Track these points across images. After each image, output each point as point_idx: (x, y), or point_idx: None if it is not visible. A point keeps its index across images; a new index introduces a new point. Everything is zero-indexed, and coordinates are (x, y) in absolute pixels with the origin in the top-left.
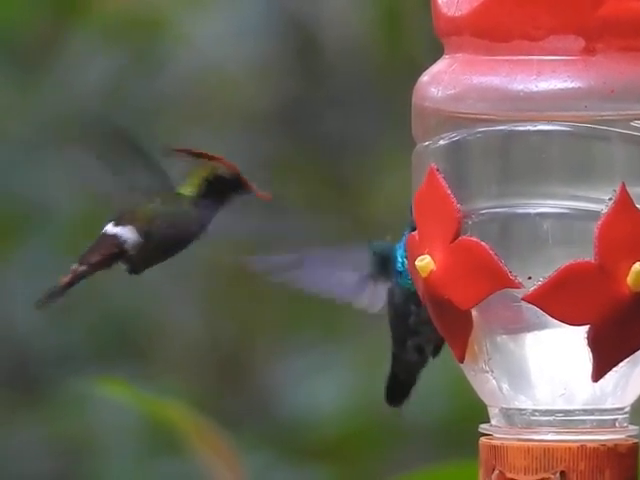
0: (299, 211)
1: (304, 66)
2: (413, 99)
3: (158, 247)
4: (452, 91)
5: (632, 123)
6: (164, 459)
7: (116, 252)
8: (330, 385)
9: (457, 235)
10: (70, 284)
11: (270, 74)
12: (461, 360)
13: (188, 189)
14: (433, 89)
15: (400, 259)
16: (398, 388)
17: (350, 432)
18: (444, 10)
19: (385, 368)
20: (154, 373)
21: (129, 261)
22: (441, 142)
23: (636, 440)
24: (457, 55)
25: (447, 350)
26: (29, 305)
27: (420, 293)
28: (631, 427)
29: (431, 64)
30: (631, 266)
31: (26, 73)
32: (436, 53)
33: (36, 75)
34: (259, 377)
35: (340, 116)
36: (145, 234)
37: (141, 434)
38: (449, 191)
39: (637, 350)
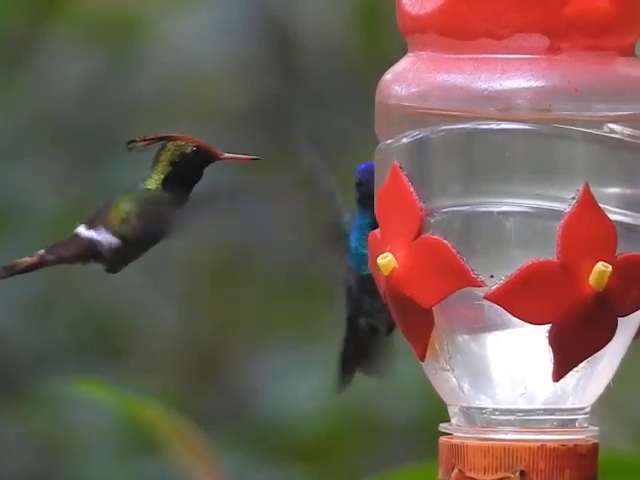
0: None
1: (282, 65)
2: (377, 97)
3: (134, 246)
4: (416, 89)
5: (596, 122)
6: (141, 459)
7: (90, 254)
8: (307, 384)
9: (419, 233)
10: (32, 267)
11: (248, 73)
12: (422, 358)
13: (153, 181)
14: (397, 87)
15: (353, 244)
16: (347, 365)
17: (328, 431)
18: (408, 8)
19: None
20: (131, 373)
21: (105, 262)
22: (404, 140)
23: (596, 440)
24: (421, 53)
25: None
26: (7, 305)
27: (381, 291)
28: (591, 427)
29: None
30: (593, 265)
31: (3, 72)
32: None
33: (13, 74)
34: (236, 377)
35: (318, 115)
36: (120, 236)
37: (118, 434)
38: (412, 189)
39: (598, 350)
